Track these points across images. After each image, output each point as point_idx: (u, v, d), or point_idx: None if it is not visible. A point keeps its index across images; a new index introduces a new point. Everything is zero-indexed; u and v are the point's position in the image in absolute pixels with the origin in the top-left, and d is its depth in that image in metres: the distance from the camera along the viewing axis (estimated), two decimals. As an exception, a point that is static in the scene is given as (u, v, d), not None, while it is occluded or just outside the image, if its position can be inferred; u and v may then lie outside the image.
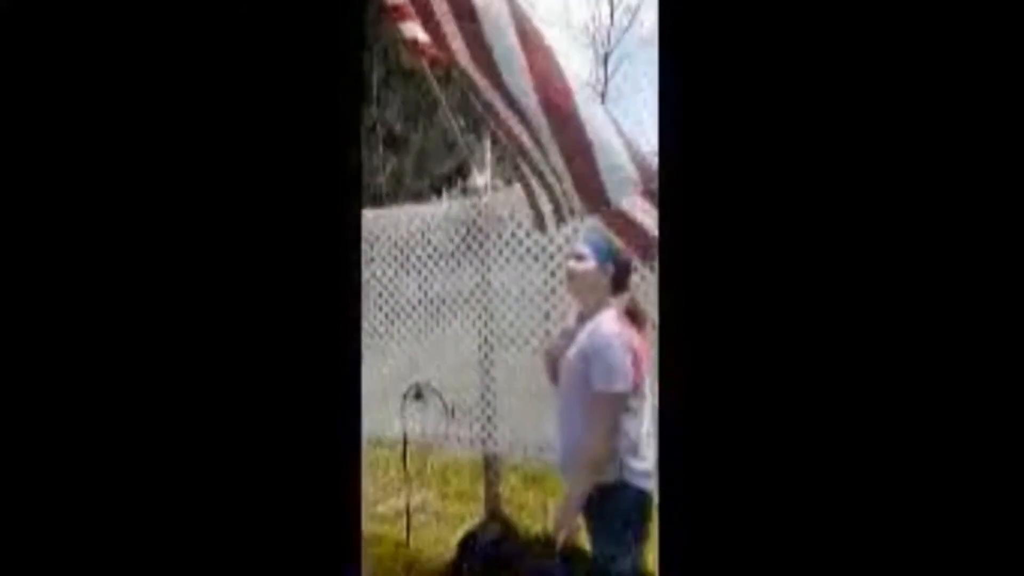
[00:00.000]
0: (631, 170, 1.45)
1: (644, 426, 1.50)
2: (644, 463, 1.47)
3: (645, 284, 1.96)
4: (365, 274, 2.89)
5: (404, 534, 2.44)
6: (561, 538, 1.39)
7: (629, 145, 1.47)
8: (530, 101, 1.47)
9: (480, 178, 2.57)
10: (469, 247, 2.64)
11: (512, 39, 1.45)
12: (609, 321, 1.48)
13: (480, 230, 2.59)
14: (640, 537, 1.47)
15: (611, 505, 1.42)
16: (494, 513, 1.87)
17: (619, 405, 1.43)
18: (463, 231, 2.65)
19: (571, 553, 1.42)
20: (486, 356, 2.59)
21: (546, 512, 2.59)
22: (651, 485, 1.48)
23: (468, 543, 1.48)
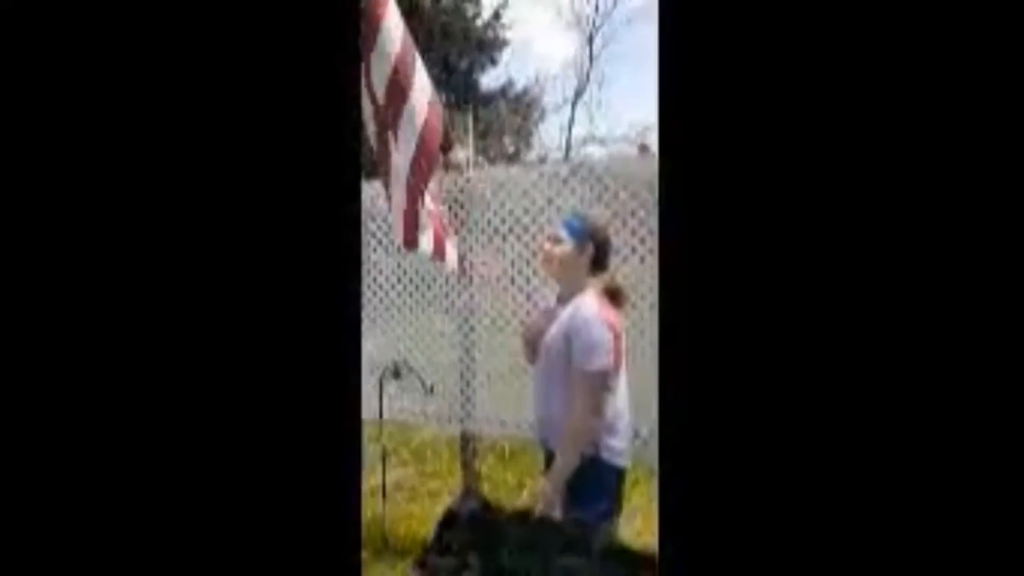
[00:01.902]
0: None
1: (620, 404, 1.52)
2: (619, 441, 1.49)
3: (626, 265, 1.96)
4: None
5: (381, 511, 2.44)
6: (542, 511, 1.41)
7: None
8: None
9: (462, 153, 2.52)
10: (450, 223, 2.60)
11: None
12: (589, 301, 1.49)
13: (462, 207, 2.56)
14: (613, 511, 1.51)
15: (587, 481, 1.44)
16: (470, 488, 1.87)
17: (601, 383, 1.44)
18: (444, 208, 2.61)
19: (547, 526, 1.44)
20: (466, 335, 2.58)
21: (523, 489, 2.62)
22: (625, 462, 1.51)
23: (449, 518, 1.49)
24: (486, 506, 1.48)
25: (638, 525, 2.37)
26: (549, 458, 1.58)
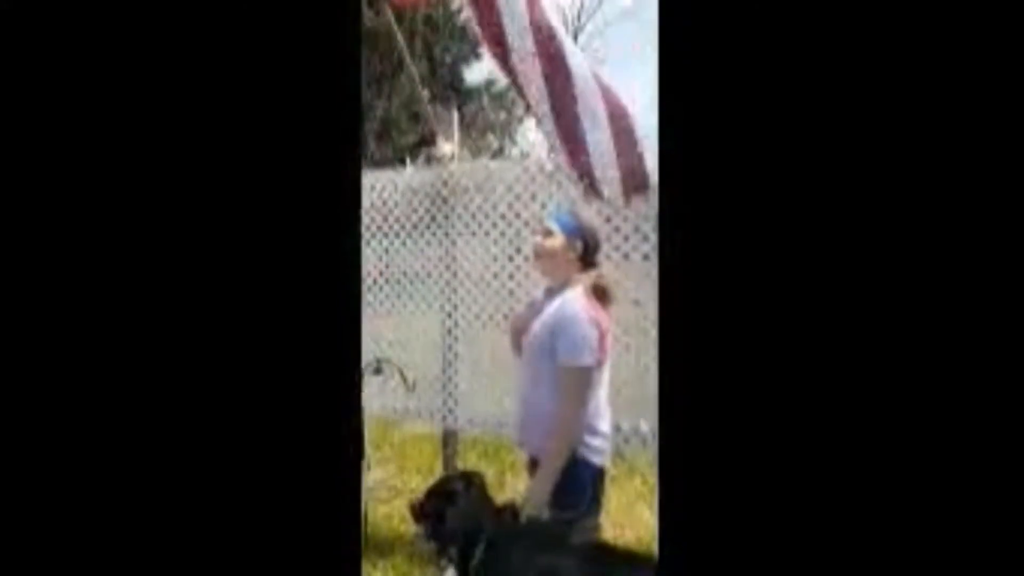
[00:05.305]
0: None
1: (601, 402, 1.52)
2: (599, 439, 1.50)
3: (611, 263, 1.96)
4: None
5: (362, 508, 2.41)
6: (530, 511, 1.40)
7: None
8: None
9: (447, 146, 2.49)
10: (433, 218, 2.57)
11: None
12: (576, 296, 1.50)
13: (445, 201, 2.53)
14: (593, 509, 1.51)
15: (566, 479, 1.44)
16: (472, 475, 1.80)
17: (585, 379, 1.45)
18: (427, 202, 2.58)
19: (527, 523, 1.43)
20: (449, 331, 2.55)
21: (504, 486, 2.61)
22: (604, 460, 1.51)
23: (445, 490, 1.48)
24: (481, 487, 1.47)
25: (618, 522, 2.38)
26: (531, 459, 1.58)
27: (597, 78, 1.62)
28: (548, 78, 1.59)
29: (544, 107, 1.62)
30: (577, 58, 1.62)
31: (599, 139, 1.59)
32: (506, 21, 1.59)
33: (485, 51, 1.73)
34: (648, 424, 2.09)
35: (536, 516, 1.41)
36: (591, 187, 1.67)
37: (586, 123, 1.59)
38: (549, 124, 1.65)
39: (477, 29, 1.69)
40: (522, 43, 1.60)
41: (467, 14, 1.69)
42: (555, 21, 1.63)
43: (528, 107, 1.73)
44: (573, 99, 1.60)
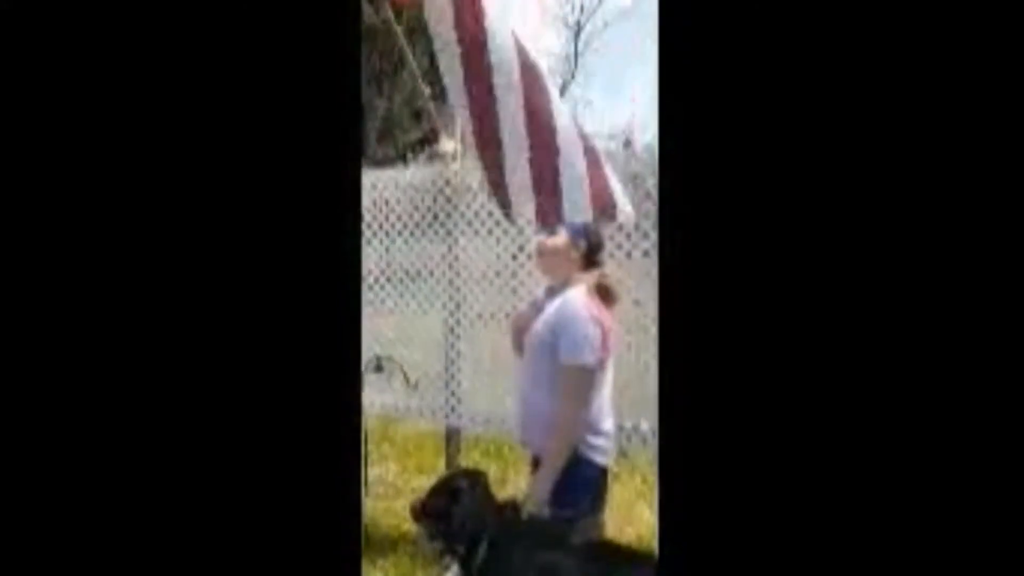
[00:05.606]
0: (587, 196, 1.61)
1: (604, 402, 1.52)
2: (602, 439, 1.50)
3: (615, 262, 1.96)
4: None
5: (363, 507, 2.42)
6: (531, 508, 1.41)
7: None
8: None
9: (448, 143, 2.48)
10: (436, 216, 2.57)
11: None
12: (579, 295, 1.50)
13: (448, 199, 2.53)
14: (596, 508, 1.51)
15: (569, 478, 1.44)
16: (476, 473, 1.79)
17: (587, 378, 1.45)
18: (429, 200, 2.58)
19: (529, 521, 1.44)
20: (451, 330, 2.56)
21: (506, 483, 2.61)
22: (607, 460, 1.51)
23: (449, 488, 1.47)
24: (485, 486, 1.47)
25: (618, 520, 2.38)
26: (534, 458, 1.58)
27: (577, 125, 1.64)
28: (530, 128, 1.61)
29: (522, 158, 1.63)
30: (563, 109, 1.64)
31: (576, 200, 1.63)
32: (494, 78, 1.61)
33: (460, 109, 1.69)
34: (648, 423, 2.09)
35: (537, 514, 1.41)
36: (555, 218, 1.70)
37: (564, 175, 1.62)
38: (520, 175, 1.65)
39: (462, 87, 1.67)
40: (509, 96, 1.61)
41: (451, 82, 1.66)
42: (543, 77, 1.65)
43: (485, 156, 1.71)
44: (556, 152, 1.60)
